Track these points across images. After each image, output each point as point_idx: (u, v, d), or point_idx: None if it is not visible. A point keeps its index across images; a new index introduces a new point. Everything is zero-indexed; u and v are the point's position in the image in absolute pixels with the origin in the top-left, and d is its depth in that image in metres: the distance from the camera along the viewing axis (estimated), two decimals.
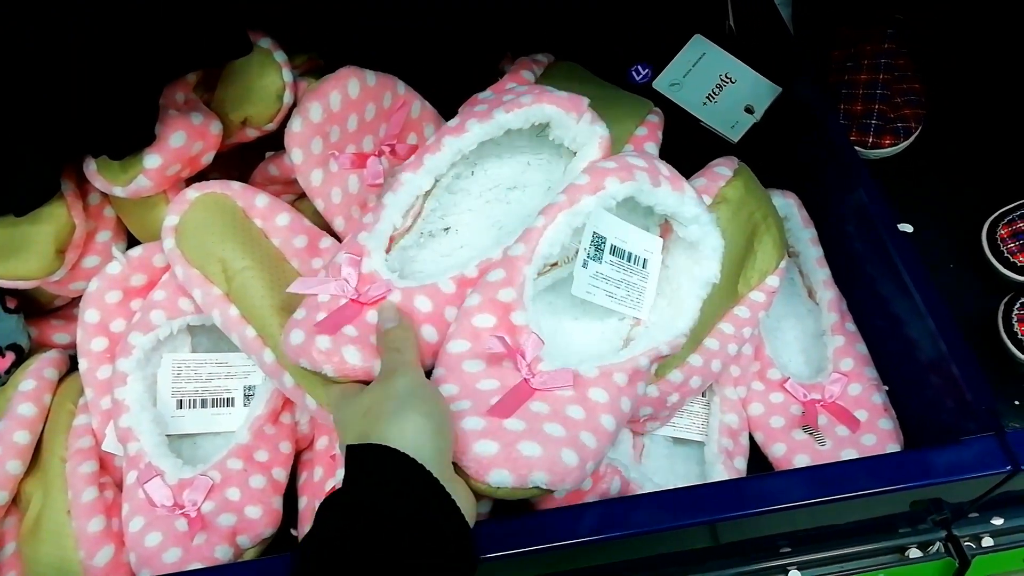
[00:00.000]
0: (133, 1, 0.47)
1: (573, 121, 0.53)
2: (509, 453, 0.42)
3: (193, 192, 0.58)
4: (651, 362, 0.49)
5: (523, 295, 0.48)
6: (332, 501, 0.39)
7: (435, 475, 0.39)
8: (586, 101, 0.53)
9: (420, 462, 0.39)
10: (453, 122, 0.55)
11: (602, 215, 0.50)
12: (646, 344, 0.49)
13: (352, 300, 0.49)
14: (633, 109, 0.63)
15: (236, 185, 0.59)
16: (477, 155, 0.56)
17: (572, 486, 0.43)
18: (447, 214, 0.57)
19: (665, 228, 0.54)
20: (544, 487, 0.42)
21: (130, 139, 0.53)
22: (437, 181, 0.55)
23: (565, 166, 0.55)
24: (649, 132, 0.62)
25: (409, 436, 0.40)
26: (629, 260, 0.51)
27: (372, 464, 0.39)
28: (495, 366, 0.47)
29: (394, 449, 0.39)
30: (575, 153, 0.54)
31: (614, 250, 0.50)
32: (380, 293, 0.49)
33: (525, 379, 0.46)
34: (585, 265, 0.49)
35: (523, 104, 0.53)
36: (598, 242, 0.50)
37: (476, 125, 0.53)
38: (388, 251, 0.52)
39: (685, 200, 0.51)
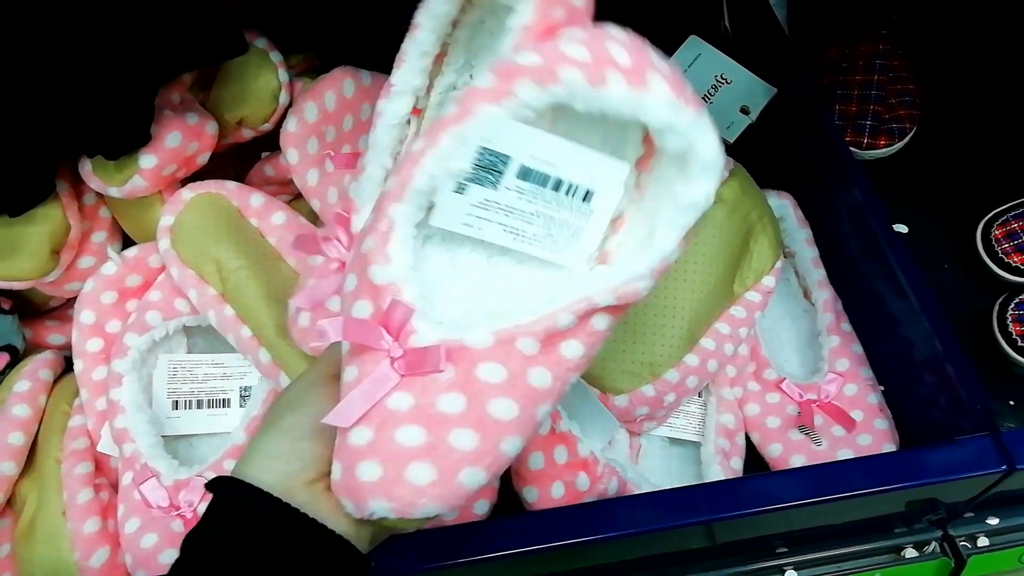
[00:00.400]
0: (129, 1, 0.47)
1: None
2: (348, 478, 0.32)
3: (188, 192, 0.58)
4: (581, 317, 0.35)
5: (386, 244, 0.35)
6: (190, 538, 0.34)
7: (281, 497, 0.33)
8: None
9: (264, 487, 0.33)
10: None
11: (503, 125, 0.34)
12: (571, 294, 0.35)
13: (342, 264, 0.44)
14: None
15: (231, 185, 0.59)
16: (470, 53, 0.45)
17: (444, 509, 0.32)
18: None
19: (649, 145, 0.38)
20: (392, 517, 0.32)
21: (126, 139, 0.53)
22: (419, 100, 0.45)
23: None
24: None
25: (256, 460, 0.34)
26: (555, 188, 0.36)
27: (221, 498, 0.34)
28: (359, 354, 0.34)
29: (236, 480, 0.34)
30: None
31: (525, 173, 0.35)
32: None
33: (392, 361, 0.33)
34: (461, 191, 0.35)
35: None
36: (491, 162, 0.35)
37: (428, 19, 0.42)
38: None
39: (648, 100, 0.33)
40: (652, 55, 0.34)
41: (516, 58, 0.34)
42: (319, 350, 0.42)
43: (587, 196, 0.37)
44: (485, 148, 0.35)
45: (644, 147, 0.38)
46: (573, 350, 0.35)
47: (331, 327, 0.34)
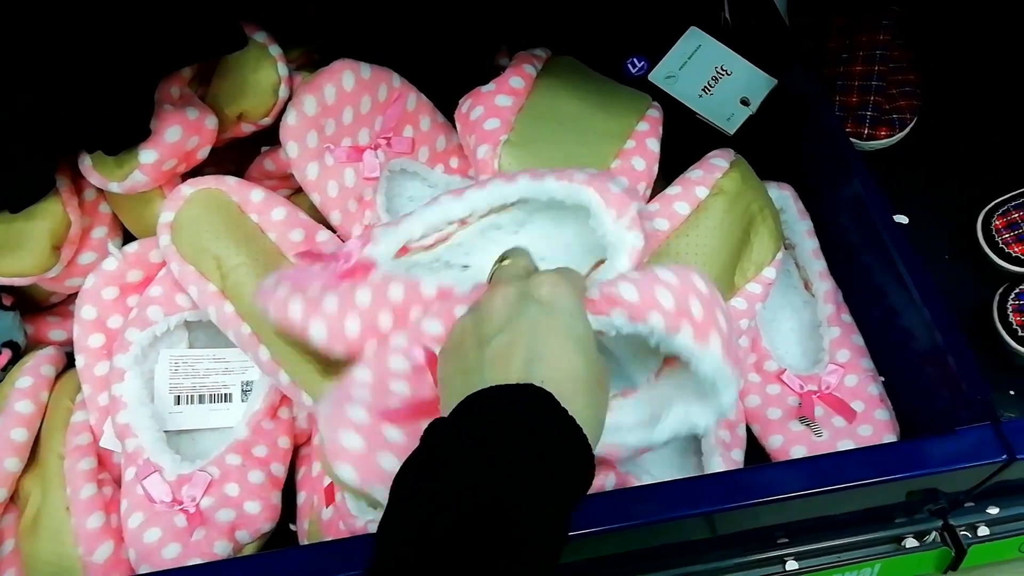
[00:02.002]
0: None
1: (611, 219, 0.48)
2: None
3: (188, 188, 0.58)
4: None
5: None
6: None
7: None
8: (634, 206, 0.49)
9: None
10: (507, 171, 0.54)
11: None
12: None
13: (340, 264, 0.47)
14: (633, 104, 0.63)
15: (231, 180, 0.59)
16: (526, 214, 0.54)
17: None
18: (471, 253, 0.55)
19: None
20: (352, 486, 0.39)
21: (126, 134, 0.53)
22: (471, 217, 0.53)
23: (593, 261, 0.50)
24: (651, 127, 0.61)
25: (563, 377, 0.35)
26: None
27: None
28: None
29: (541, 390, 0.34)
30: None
31: None
32: (357, 265, 0.47)
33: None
34: None
35: (574, 179, 0.50)
36: None
37: (525, 179, 0.51)
38: (397, 255, 0.51)
39: (705, 356, 0.42)
40: (718, 313, 0.43)
41: (620, 291, 0.42)
42: (262, 304, 0.45)
43: None
44: None
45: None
46: None
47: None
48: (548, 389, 0.34)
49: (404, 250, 0.51)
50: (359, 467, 0.39)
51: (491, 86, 0.60)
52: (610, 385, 0.40)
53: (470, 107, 0.60)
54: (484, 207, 0.52)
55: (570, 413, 0.34)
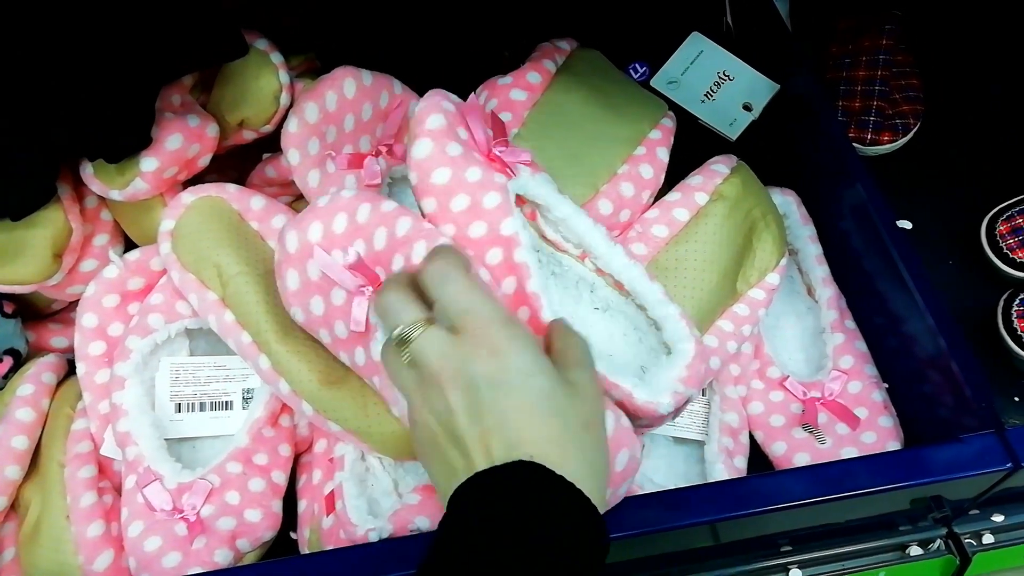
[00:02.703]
0: (130, 4, 0.47)
1: None
2: None
3: (188, 196, 0.58)
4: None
5: None
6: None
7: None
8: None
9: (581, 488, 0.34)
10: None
11: None
12: None
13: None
14: (648, 110, 0.63)
15: (232, 188, 0.59)
16: None
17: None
18: None
19: None
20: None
21: (127, 142, 0.53)
22: None
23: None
24: (663, 136, 0.61)
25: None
26: None
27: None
28: None
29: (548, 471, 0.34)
30: None
31: None
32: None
33: None
34: None
35: None
36: None
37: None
38: None
39: None
40: None
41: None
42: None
43: None
44: None
45: None
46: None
47: None
48: (538, 462, 0.34)
49: None
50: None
51: (508, 79, 0.60)
52: (600, 414, 0.39)
53: (486, 99, 0.60)
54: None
55: (567, 476, 0.34)
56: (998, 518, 0.57)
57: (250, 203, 0.58)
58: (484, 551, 0.32)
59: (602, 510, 0.36)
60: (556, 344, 0.41)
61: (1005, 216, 0.69)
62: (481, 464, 0.35)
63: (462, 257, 0.40)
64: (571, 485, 0.34)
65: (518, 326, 0.38)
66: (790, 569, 0.55)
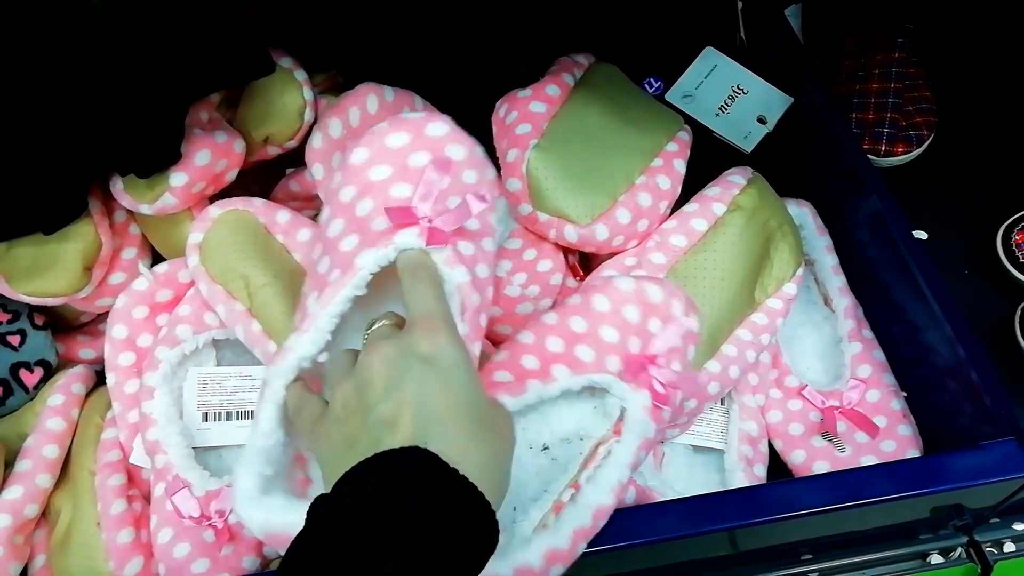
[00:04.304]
0: (159, 23, 0.49)
1: None
2: None
3: (216, 210, 0.59)
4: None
5: None
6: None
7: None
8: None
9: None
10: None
11: None
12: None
13: None
14: (665, 123, 0.63)
15: (258, 202, 0.60)
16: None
17: None
18: None
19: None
20: None
21: (157, 158, 0.55)
22: None
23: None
24: (679, 149, 0.62)
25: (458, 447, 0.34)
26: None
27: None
28: None
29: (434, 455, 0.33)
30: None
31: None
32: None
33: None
34: None
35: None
36: None
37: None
38: None
39: None
40: None
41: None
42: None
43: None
44: None
45: None
46: None
47: None
48: (442, 450, 0.33)
49: None
50: None
51: (528, 91, 0.61)
52: (513, 429, 0.39)
53: (507, 111, 0.61)
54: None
55: (463, 471, 0.33)
56: (1019, 526, 0.57)
57: (276, 217, 0.59)
58: (362, 538, 0.31)
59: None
60: None
61: (1021, 226, 0.70)
62: (386, 442, 0.34)
63: (432, 265, 0.43)
64: (465, 480, 0.33)
65: (458, 334, 0.39)
66: None
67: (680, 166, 0.61)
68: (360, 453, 0.34)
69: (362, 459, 0.33)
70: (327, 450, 0.37)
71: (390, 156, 0.47)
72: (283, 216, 0.59)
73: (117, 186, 0.57)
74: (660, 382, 0.47)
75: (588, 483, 0.46)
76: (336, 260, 0.45)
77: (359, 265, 0.43)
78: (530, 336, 0.49)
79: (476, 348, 0.46)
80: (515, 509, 0.46)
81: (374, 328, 0.40)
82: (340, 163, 0.49)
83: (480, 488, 0.33)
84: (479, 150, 0.49)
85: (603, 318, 0.49)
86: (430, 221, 0.44)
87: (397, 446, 0.33)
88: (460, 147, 0.48)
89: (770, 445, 0.60)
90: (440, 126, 0.48)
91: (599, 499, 0.45)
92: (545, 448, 0.49)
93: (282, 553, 0.37)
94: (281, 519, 0.39)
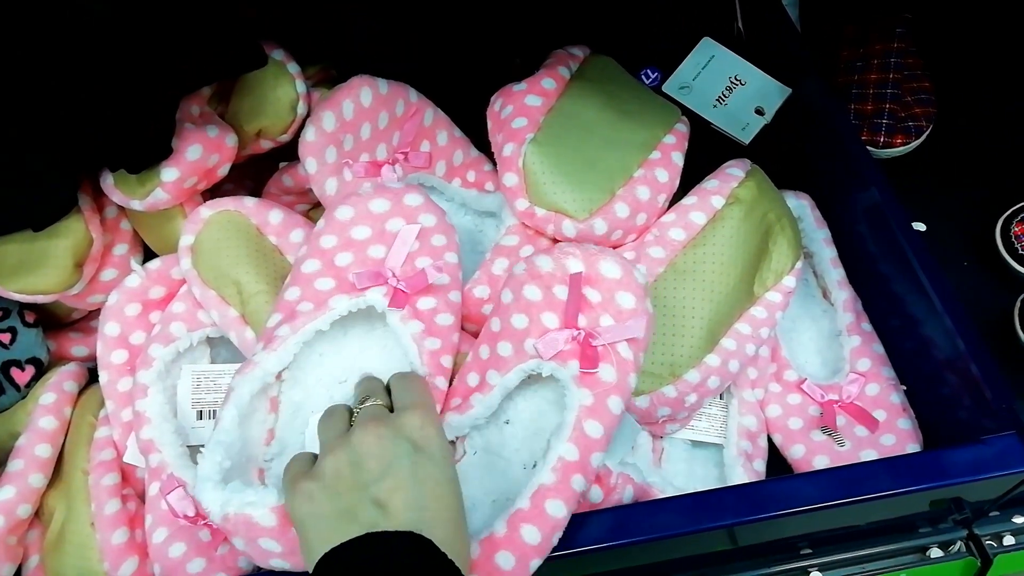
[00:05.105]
0: (149, 16, 0.48)
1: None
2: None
3: (207, 210, 0.58)
4: None
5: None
6: None
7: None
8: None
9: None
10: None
11: None
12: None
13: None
14: (663, 115, 0.63)
15: (249, 201, 0.59)
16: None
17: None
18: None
19: None
20: None
21: (147, 153, 0.54)
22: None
23: None
24: (677, 141, 0.62)
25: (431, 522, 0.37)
26: None
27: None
28: None
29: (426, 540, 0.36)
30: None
31: None
32: None
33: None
34: None
35: None
36: None
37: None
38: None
39: None
40: None
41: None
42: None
43: None
44: None
45: None
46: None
47: None
48: (433, 534, 0.36)
49: None
50: None
51: (523, 85, 0.61)
52: None
53: (501, 105, 0.61)
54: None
55: (450, 555, 0.36)
56: (1019, 519, 0.57)
57: (268, 217, 0.59)
58: None
59: None
60: None
61: (1020, 217, 0.69)
62: (382, 522, 0.36)
63: (425, 384, 0.47)
64: (453, 565, 0.36)
65: (442, 425, 0.44)
66: (810, 572, 0.55)
67: (678, 159, 0.61)
68: (353, 529, 0.36)
69: (356, 535, 0.36)
70: (308, 512, 0.38)
71: (371, 219, 0.54)
72: (276, 216, 0.59)
73: (108, 181, 0.56)
74: (585, 344, 0.48)
75: (536, 467, 0.47)
76: (307, 294, 0.51)
77: (331, 306, 0.50)
78: (469, 354, 0.52)
79: (441, 383, 0.50)
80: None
81: (366, 405, 0.43)
82: (325, 215, 0.55)
83: (464, 573, 0.36)
84: (446, 217, 0.56)
85: (509, 309, 0.51)
86: (398, 281, 0.51)
87: (392, 529, 0.36)
88: (431, 216, 0.55)
89: (769, 440, 0.60)
90: (416, 197, 0.55)
91: (541, 479, 0.45)
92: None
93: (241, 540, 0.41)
94: (238, 501, 0.42)
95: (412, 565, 0.35)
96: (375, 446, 0.39)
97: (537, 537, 0.43)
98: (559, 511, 0.44)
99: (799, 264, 0.60)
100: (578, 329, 0.49)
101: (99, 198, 0.59)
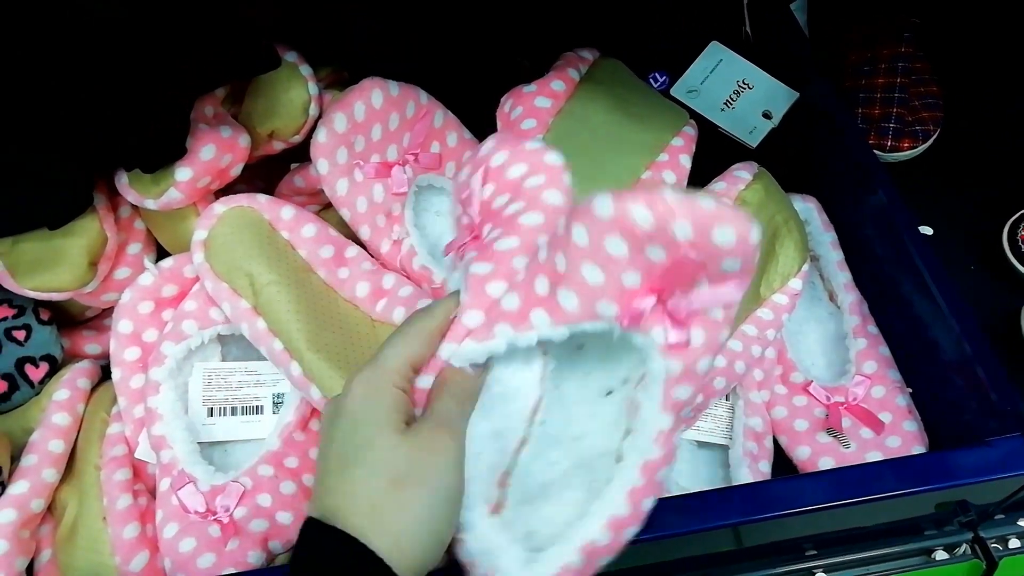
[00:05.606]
0: (164, 18, 0.49)
1: None
2: None
3: (220, 206, 0.59)
4: None
5: None
6: None
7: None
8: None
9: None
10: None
11: None
12: None
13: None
14: (671, 118, 0.63)
15: (262, 198, 0.60)
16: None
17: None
18: None
19: None
20: None
21: (162, 152, 0.55)
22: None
23: None
24: (685, 144, 0.62)
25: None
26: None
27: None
28: None
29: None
30: None
31: None
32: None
33: None
34: None
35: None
36: None
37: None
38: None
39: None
40: None
41: None
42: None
43: None
44: None
45: None
46: None
47: None
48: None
49: None
50: None
51: (532, 87, 0.61)
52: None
53: (511, 106, 0.61)
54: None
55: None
56: None
57: (280, 213, 0.59)
58: None
59: None
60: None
61: None
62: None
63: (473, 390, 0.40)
64: None
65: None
66: (815, 573, 0.55)
67: (686, 161, 0.61)
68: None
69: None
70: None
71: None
72: (288, 212, 0.59)
73: (122, 181, 0.57)
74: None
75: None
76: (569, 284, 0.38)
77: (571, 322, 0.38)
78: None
79: None
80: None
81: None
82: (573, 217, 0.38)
83: None
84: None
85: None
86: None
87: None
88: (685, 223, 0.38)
89: (775, 441, 0.60)
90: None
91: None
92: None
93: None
94: None
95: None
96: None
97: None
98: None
99: (806, 267, 0.60)
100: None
101: (114, 197, 0.60)
